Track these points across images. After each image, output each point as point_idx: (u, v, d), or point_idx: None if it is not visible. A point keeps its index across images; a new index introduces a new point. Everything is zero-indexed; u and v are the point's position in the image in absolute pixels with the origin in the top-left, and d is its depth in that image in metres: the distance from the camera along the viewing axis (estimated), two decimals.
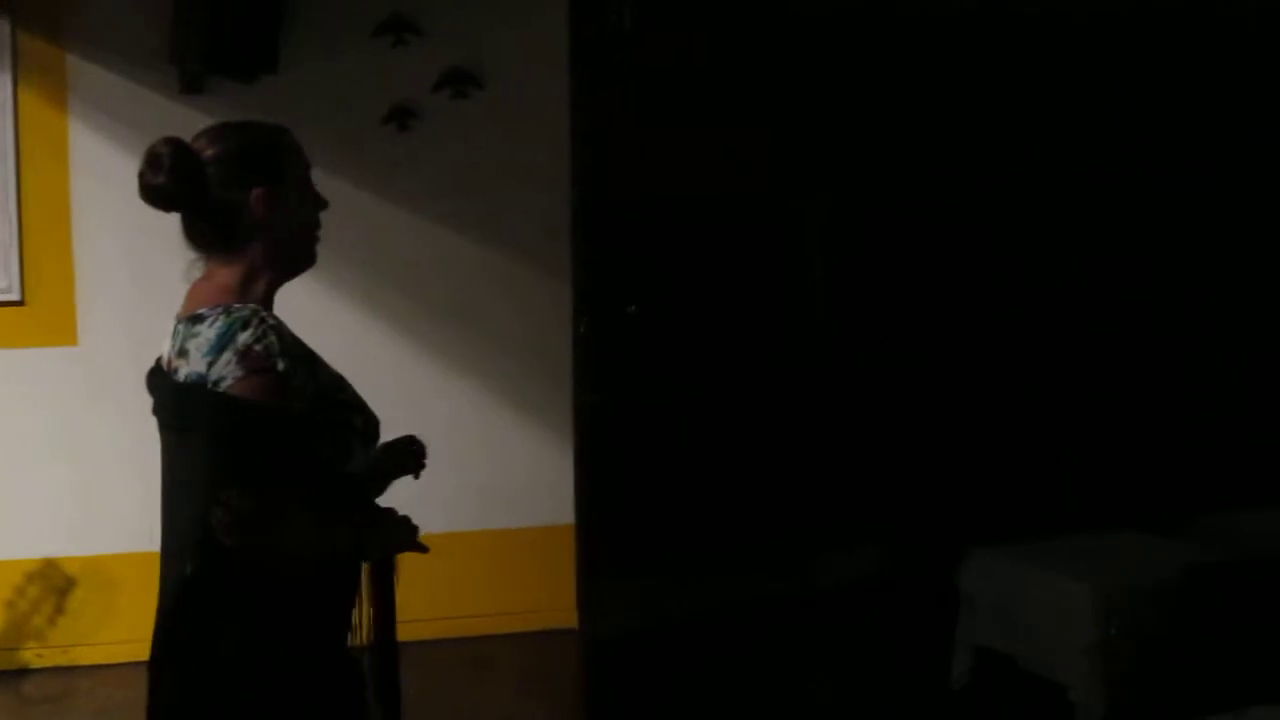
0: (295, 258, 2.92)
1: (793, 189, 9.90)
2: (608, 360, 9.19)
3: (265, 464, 2.62)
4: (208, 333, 2.72)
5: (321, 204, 2.95)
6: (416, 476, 3.18)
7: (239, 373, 2.66)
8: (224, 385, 2.66)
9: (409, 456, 3.18)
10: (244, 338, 2.68)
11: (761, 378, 9.77)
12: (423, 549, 2.92)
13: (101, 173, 6.30)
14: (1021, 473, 8.77)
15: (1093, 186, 9.53)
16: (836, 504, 8.70)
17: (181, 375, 2.75)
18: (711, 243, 9.78)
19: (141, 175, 2.79)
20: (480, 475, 6.71)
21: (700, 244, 9.76)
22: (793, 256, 10.09)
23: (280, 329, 2.73)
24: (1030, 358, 9.59)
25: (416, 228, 6.68)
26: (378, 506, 2.95)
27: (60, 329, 6.40)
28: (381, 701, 2.98)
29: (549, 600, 6.94)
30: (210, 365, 2.68)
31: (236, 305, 2.75)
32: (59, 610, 6.41)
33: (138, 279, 6.35)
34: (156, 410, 2.90)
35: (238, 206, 2.80)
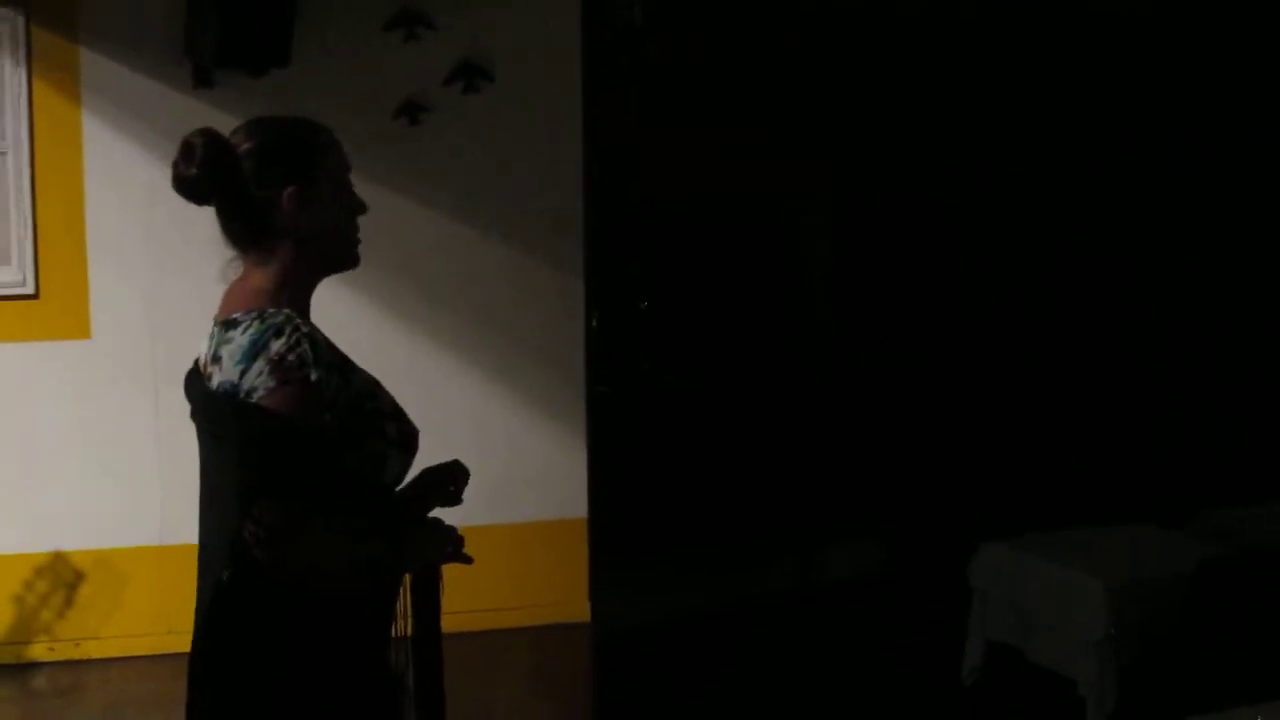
0: (331, 258, 2.88)
1: (803, 187, 9.90)
2: (620, 355, 9.21)
3: (298, 477, 2.57)
4: (240, 339, 2.66)
5: (360, 207, 2.91)
6: (453, 503, 3.08)
7: (271, 383, 2.60)
8: (256, 396, 2.61)
9: (453, 480, 3.08)
10: (277, 346, 2.62)
11: (772, 372, 9.78)
12: (466, 560, 2.88)
13: (115, 166, 6.32)
14: (1032, 467, 8.77)
15: (1096, 184, 9.52)
16: (847, 498, 8.71)
17: (215, 382, 2.69)
18: (722, 239, 9.80)
19: (175, 165, 2.74)
20: (493, 469, 6.71)
21: (711, 240, 9.77)
22: (802, 253, 10.09)
23: (314, 336, 2.68)
24: (1041, 353, 9.59)
25: (427, 222, 6.69)
26: (419, 517, 2.92)
27: (74, 322, 6.42)
28: (423, 706, 2.95)
29: (562, 593, 6.95)
30: (243, 374, 2.63)
31: (270, 310, 2.70)
32: (69, 604, 6.43)
33: (151, 273, 6.38)
34: (193, 415, 2.83)
35: (269, 203, 2.76)
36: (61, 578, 6.43)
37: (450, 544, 2.86)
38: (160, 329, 6.38)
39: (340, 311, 6.20)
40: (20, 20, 6.26)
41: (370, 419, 2.74)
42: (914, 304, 9.92)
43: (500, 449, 6.80)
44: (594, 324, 7.19)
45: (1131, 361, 9.45)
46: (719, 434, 9.43)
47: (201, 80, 6.34)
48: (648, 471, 8.79)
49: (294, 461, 2.57)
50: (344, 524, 2.67)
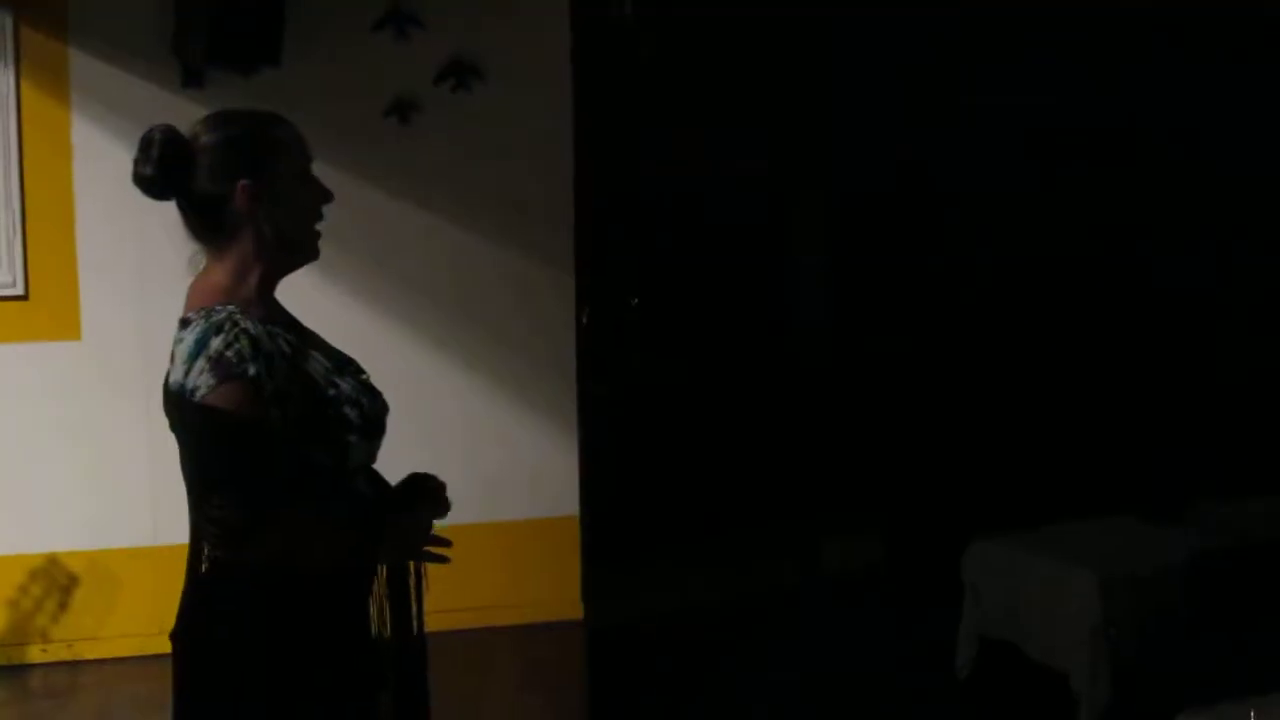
0: (289, 251, 2.88)
1: (795, 182, 9.90)
2: (611, 351, 9.20)
3: (247, 472, 2.60)
4: (189, 338, 2.71)
5: (325, 197, 2.91)
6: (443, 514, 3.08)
7: (211, 381, 2.64)
8: (199, 395, 2.64)
9: (432, 497, 3.07)
10: (216, 344, 2.66)
11: (764, 367, 9.78)
12: (441, 560, 2.91)
13: (104, 166, 6.30)
14: (1025, 461, 8.77)
15: (1093, 175, 9.52)
16: (840, 493, 8.71)
17: (170, 381, 2.75)
18: (713, 234, 9.78)
19: (135, 162, 2.79)
20: (485, 467, 6.72)
21: (702, 235, 9.76)
22: (794, 249, 10.09)
23: (254, 331, 2.70)
24: (1032, 346, 9.59)
25: (418, 220, 6.69)
26: (394, 509, 2.92)
27: (64, 323, 6.41)
28: (406, 703, 2.97)
29: (555, 592, 6.95)
30: (187, 373, 2.67)
31: (218, 307, 2.73)
32: (63, 606, 6.42)
33: (141, 272, 6.36)
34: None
35: (224, 198, 2.78)
36: (55, 580, 6.42)
37: (421, 541, 2.90)
38: (150, 330, 6.36)
39: (327, 310, 6.21)
40: (8, 20, 6.24)
41: (330, 405, 2.77)
42: (907, 299, 9.92)
43: (491, 447, 6.80)
44: (584, 320, 7.19)
45: (1124, 355, 9.46)
46: (711, 430, 9.42)
47: (191, 80, 6.33)
48: (640, 468, 8.78)
49: (241, 457, 2.61)
50: (312, 515, 2.71)
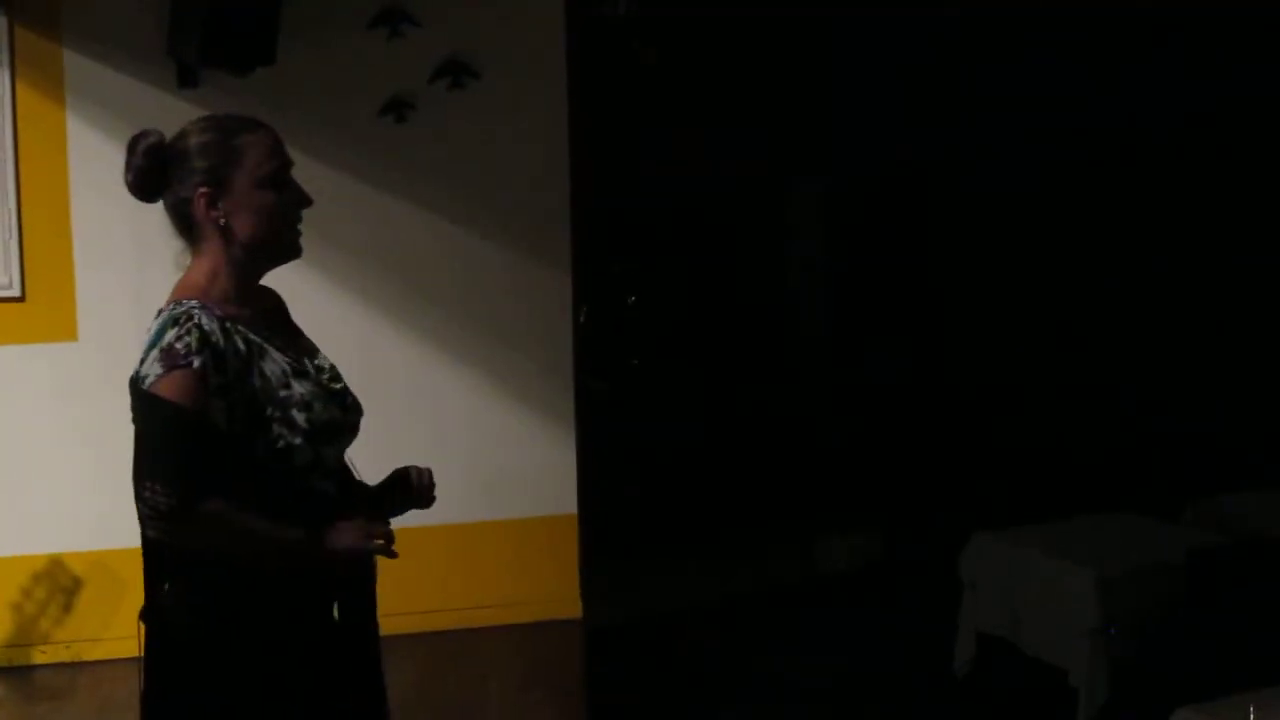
0: (260, 253, 2.95)
1: (792, 181, 9.90)
2: (609, 350, 9.20)
3: (181, 460, 2.69)
4: (152, 331, 2.81)
5: (300, 202, 2.97)
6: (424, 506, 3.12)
7: (159, 370, 2.74)
8: (147, 383, 2.74)
9: (412, 492, 3.12)
10: (169, 336, 2.76)
11: (762, 365, 9.78)
12: (390, 554, 2.91)
13: (100, 167, 6.30)
14: (1022, 459, 8.78)
15: (1090, 171, 9.52)
16: (838, 490, 8.71)
17: (133, 372, 2.82)
18: (710, 231, 9.79)
19: (125, 165, 2.91)
20: (482, 466, 6.72)
21: (699, 234, 9.76)
22: (792, 247, 10.09)
23: (208, 327, 2.78)
24: (1031, 345, 9.59)
25: (415, 219, 6.68)
26: (354, 507, 2.94)
27: (60, 325, 6.41)
28: (360, 694, 3.00)
29: (554, 591, 6.94)
30: (143, 362, 2.78)
31: (184, 302, 2.83)
32: (67, 609, 6.42)
33: (138, 272, 6.35)
34: None
35: (188, 204, 2.90)
36: (59, 582, 6.41)
37: (374, 537, 2.90)
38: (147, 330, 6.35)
39: (325, 309, 6.21)
40: (3, 22, 6.24)
41: (279, 406, 2.83)
42: (905, 295, 9.92)
43: (490, 446, 6.79)
44: (582, 319, 7.18)
45: (1122, 352, 9.46)
46: (709, 428, 9.43)
47: (186, 80, 6.33)
48: (639, 467, 8.78)
49: (175, 445, 2.71)
50: (250, 509, 2.76)
